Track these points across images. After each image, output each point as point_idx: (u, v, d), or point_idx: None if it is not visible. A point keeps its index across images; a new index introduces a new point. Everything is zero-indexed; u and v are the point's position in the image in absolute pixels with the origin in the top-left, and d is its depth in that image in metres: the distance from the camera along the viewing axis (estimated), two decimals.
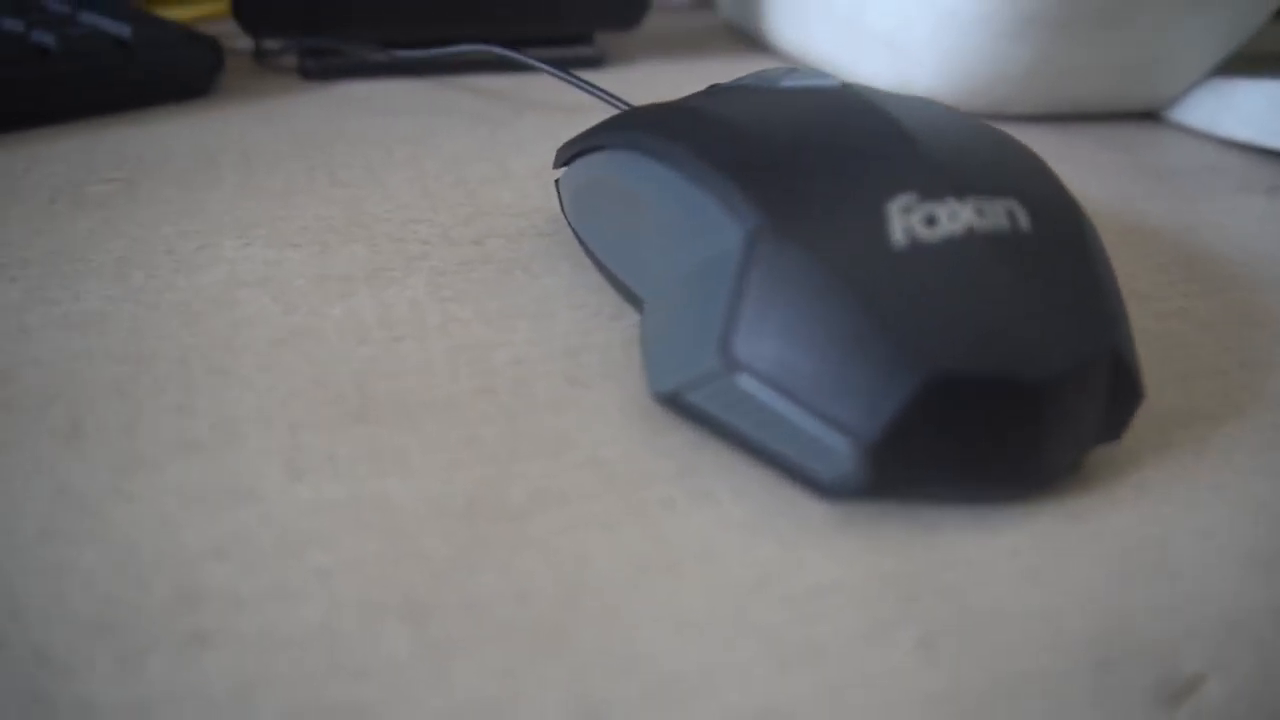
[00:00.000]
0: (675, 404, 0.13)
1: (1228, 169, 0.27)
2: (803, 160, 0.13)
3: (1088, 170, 0.26)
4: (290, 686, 0.09)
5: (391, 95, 0.30)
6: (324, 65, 0.31)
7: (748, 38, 0.41)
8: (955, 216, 0.12)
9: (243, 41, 0.34)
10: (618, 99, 0.22)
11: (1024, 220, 0.12)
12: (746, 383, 0.12)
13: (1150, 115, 0.31)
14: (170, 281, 0.17)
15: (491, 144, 0.25)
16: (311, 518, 0.11)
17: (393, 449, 0.13)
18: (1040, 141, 0.28)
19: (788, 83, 0.15)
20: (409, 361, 0.15)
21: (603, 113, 0.25)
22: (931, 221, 0.12)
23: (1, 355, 0.15)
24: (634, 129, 0.15)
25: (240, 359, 0.15)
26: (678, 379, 0.13)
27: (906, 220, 0.12)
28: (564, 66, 0.30)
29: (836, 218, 0.12)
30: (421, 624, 0.10)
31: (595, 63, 0.35)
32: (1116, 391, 0.12)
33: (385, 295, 0.17)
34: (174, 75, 0.28)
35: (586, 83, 0.23)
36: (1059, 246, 0.12)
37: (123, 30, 0.28)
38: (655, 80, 0.33)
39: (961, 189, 0.12)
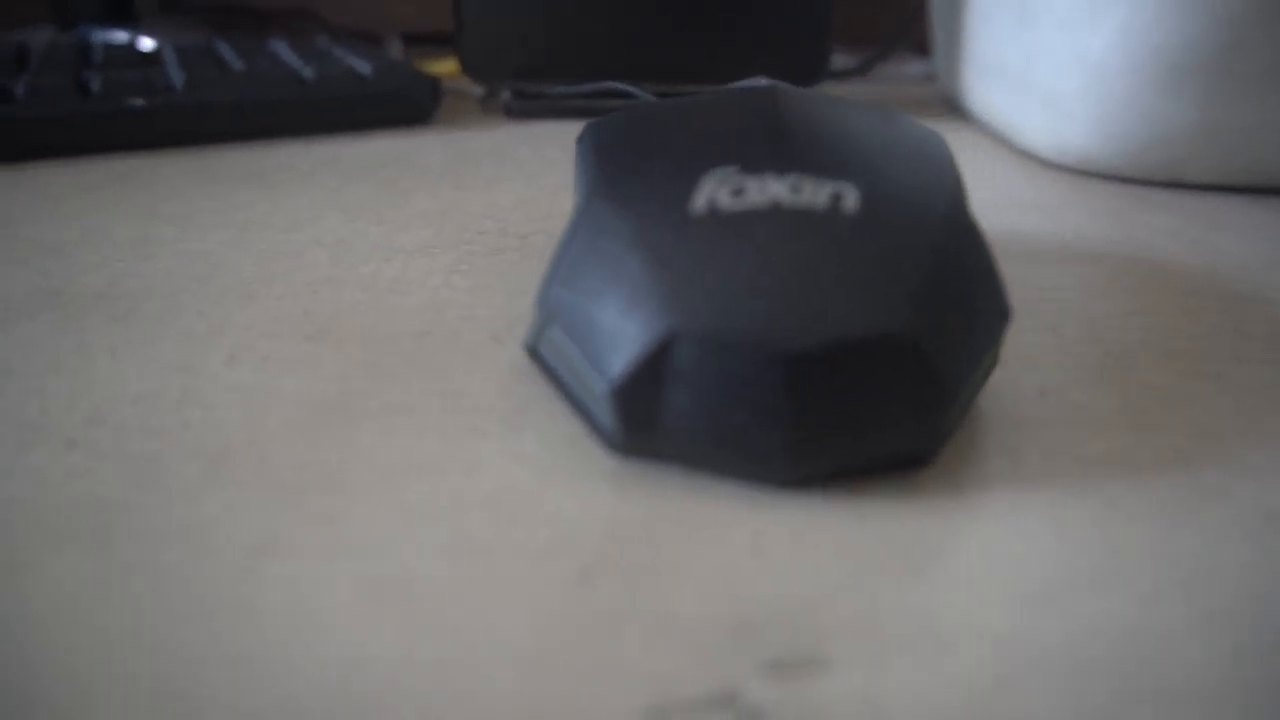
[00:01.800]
0: (534, 356, 0.14)
1: None
2: (663, 141, 0.13)
3: (1232, 234, 0.22)
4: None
5: (564, 131, 0.33)
6: (524, 106, 0.36)
7: (952, 106, 0.40)
8: (764, 190, 0.12)
9: (477, 87, 0.40)
10: None
11: (851, 204, 0.12)
12: (554, 333, 0.13)
13: None
14: (277, 240, 0.21)
15: None
16: (216, 392, 0.14)
17: (308, 358, 0.15)
18: (1212, 204, 0.24)
19: (735, 85, 0.16)
20: (383, 308, 0.18)
21: None
22: (739, 193, 0.12)
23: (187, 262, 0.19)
24: (599, 129, 0.16)
25: (271, 289, 0.18)
26: (531, 333, 0.14)
27: (714, 190, 0.12)
28: None
29: (656, 185, 0.12)
30: (219, 463, 0.12)
31: None
32: (914, 392, 0.11)
33: (414, 263, 0.20)
34: (400, 106, 0.34)
35: None
36: (882, 234, 0.12)
37: (364, 68, 0.34)
38: None
39: (787, 168, 0.12)
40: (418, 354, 0.16)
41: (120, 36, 0.45)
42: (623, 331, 0.11)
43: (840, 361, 0.11)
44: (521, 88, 0.36)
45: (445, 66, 0.45)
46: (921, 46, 0.55)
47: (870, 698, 0.09)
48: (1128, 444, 0.13)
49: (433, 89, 0.35)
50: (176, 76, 0.32)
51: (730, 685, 0.09)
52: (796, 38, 0.35)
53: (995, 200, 0.25)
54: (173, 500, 0.12)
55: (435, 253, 0.21)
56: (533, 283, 0.19)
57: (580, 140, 0.16)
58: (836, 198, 0.12)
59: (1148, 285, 0.19)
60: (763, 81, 0.16)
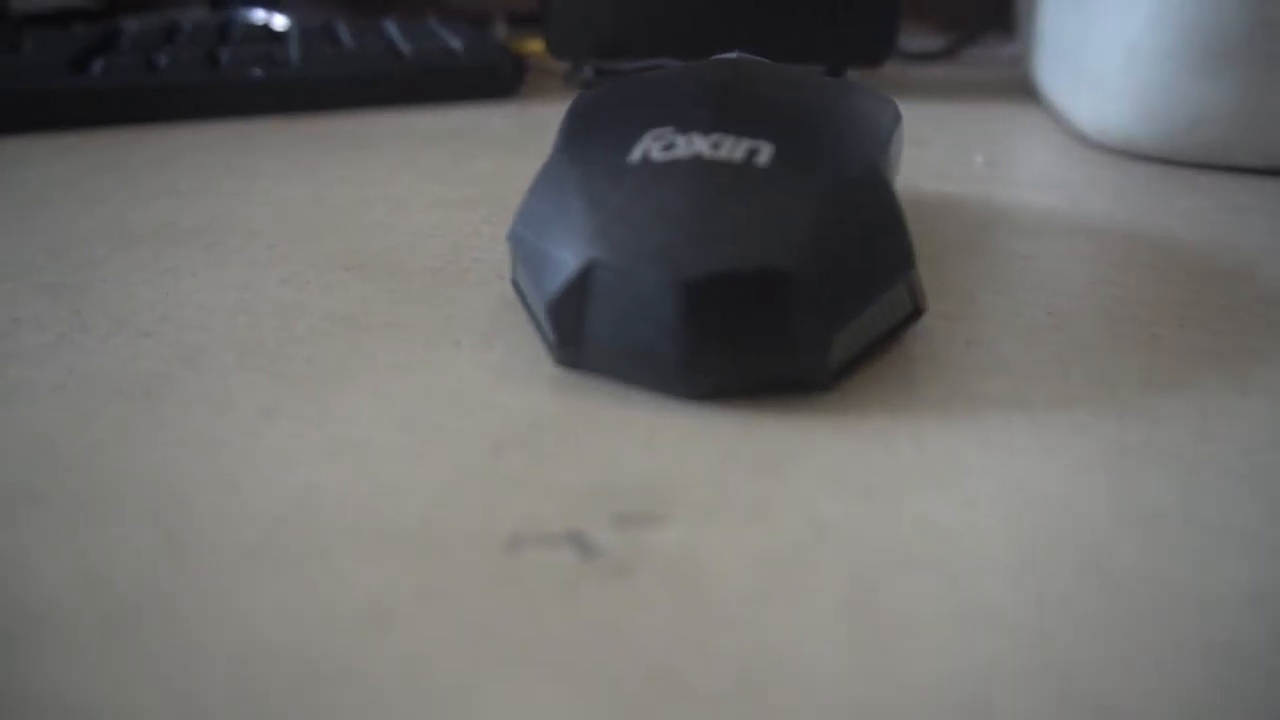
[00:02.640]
0: (515, 287, 0.16)
1: None
2: (621, 105, 0.15)
3: (1256, 216, 0.22)
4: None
5: None
6: (598, 80, 0.39)
7: (1029, 88, 0.39)
8: (690, 145, 0.14)
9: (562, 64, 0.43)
10: None
11: (764, 159, 0.14)
12: (520, 264, 0.15)
13: None
14: (351, 194, 0.25)
15: None
16: (263, 304, 0.17)
17: (342, 284, 0.18)
18: (1246, 187, 0.24)
19: (712, 58, 0.18)
20: (414, 249, 0.20)
21: None
22: (669, 147, 0.14)
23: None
24: (584, 98, 0.19)
25: (334, 231, 0.22)
26: (512, 268, 0.16)
27: (649, 144, 0.14)
28: None
29: (606, 142, 0.15)
30: (249, 353, 0.15)
31: None
32: (801, 318, 0.13)
33: (455, 214, 0.23)
34: (486, 79, 0.37)
35: None
36: (785, 185, 0.13)
37: (457, 44, 0.38)
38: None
39: (713, 127, 0.14)
40: (430, 284, 0.18)
41: (260, 16, 0.51)
42: (558, 260, 0.14)
43: (726, 290, 0.13)
44: (601, 65, 0.38)
45: (536, 45, 0.47)
46: (1010, 27, 0.54)
47: (686, 546, 0.11)
48: (1025, 388, 0.14)
49: (516, 65, 0.38)
50: (295, 52, 0.37)
51: (578, 528, 0.11)
52: (865, 19, 0.36)
53: (1022, 178, 0.26)
54: (205, 376, 0.15)
55: (476, 206, 0.23)
56: None
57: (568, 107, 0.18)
58: (752, 153, 0.14)
59: (1132, 259, 0.20)
60: (734, 54, 0.18)
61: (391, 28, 0.43)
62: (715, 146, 0.14)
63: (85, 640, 0.10)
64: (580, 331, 0.14)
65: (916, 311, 0.15)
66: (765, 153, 0.14)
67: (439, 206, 0.23)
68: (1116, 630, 0.10)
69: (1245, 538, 0.11)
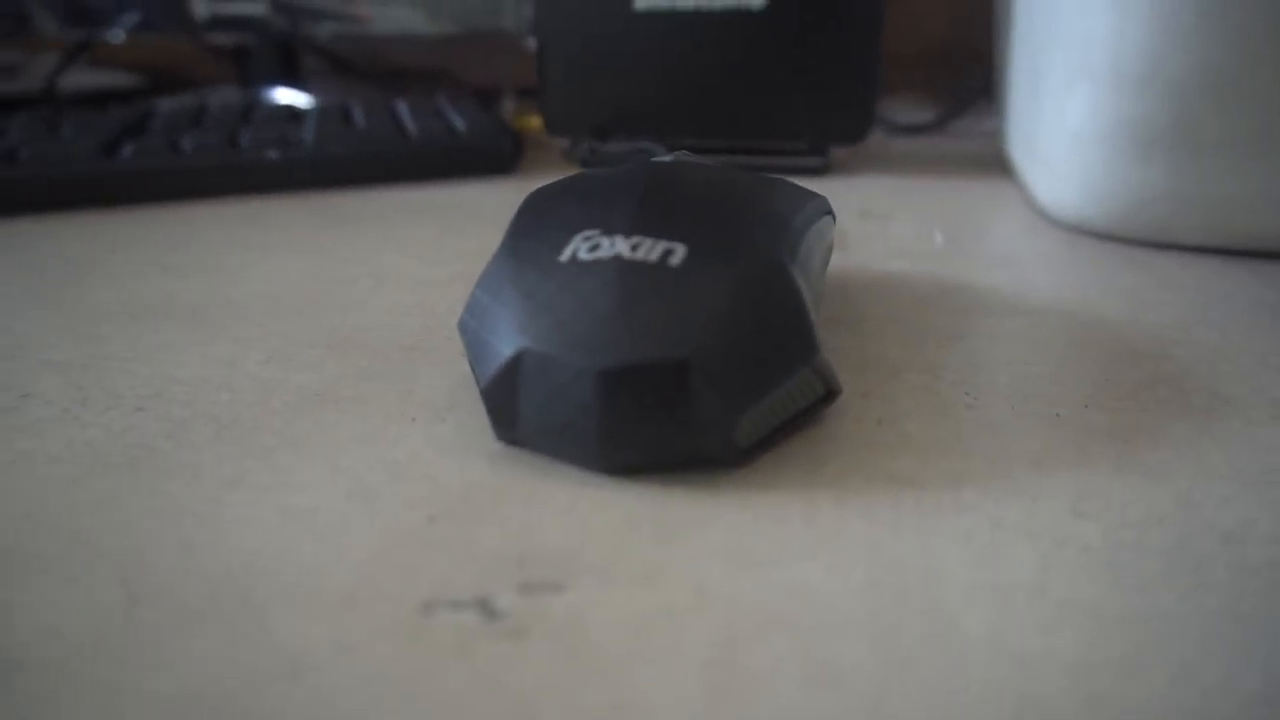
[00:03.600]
0: (472, 369, 0.18)
1: None
2: (567, 206, 0.17)
3: (1190, 293, 0.23)
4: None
5: None
6: (596, 158, 0.41)
7: (1005, 162, 0.41)
8: (612, 247, 0.16)
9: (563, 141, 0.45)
10: None
11: (677, 259, 0.15)
12: (466, 344, 0.17)
13: None
14: (337, 270, 0.27)
15: None
16: (245, 381, 0.19)
17: (319, 361, 0.20)
18: (1186, 265, 0.25)
19: (655, 158, 0.19)
20: (391, 328, 0.22)
21: None
22: (595, 248, 0.16)
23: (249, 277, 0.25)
24: (534, 194, 0.20)
25: (317, 309, 0.24)
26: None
27: (578, 244, 0.16)
28: (789, 174, 0.36)
29: (542, 238, 0.16)
30: (226, 427, 0.17)
31: (818, 171, 0.39)
32: (708, 406, 0.14)
33: (434, 293, 0.25)
34: (486, 156, 0.40)
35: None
36: (693, 282, 0.15)
37: (460, 124, 0.40)
38: (853, 188, 0.36)
39: (634, 230, 0.16)
40: (398, 362, 0.20)
41: (286, 96, 0.54)
42: (494, 348, 0.15)
43: (636, 377, 0.14)
44: (596, 144, 0.41)
45: (537, 121, 0.50)
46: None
47: (578, 610, 0.12)
48: (923, 467, 0.16)
49: (515, 143, 0.40)
50: (309, 133, 0.39)
51: (486, 594, 0.12)
52: (844, 98, 0.38)
53: (978, 255, 0.27)
54: (183, 448, 0.16)
55: (455, 286, 0.25)
56: None
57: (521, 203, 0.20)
58: (667, 253, 0.15)
59: (1058, 339, 0.21)
60: (674, 155, 0.20)
61: (402, 108, 0.46)
62: (634, 248, 0.16)
63: (45, 684, 0.11)
64: (512, 412, 0.15)
65: (829, 394, 0.17)
66: (679, 253, 0.15)
67: (419, 285, 0.25)
68: (949, 690, 0.11)
69: (1083, 609, 0.12)
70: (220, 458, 0.16)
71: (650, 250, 0.16)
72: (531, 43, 0.51)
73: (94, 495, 0.15)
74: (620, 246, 0.16)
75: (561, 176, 0.39)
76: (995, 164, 0.41)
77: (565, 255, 0.16)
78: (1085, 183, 0.27)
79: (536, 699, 0.11)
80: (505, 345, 0.15)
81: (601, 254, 0.16)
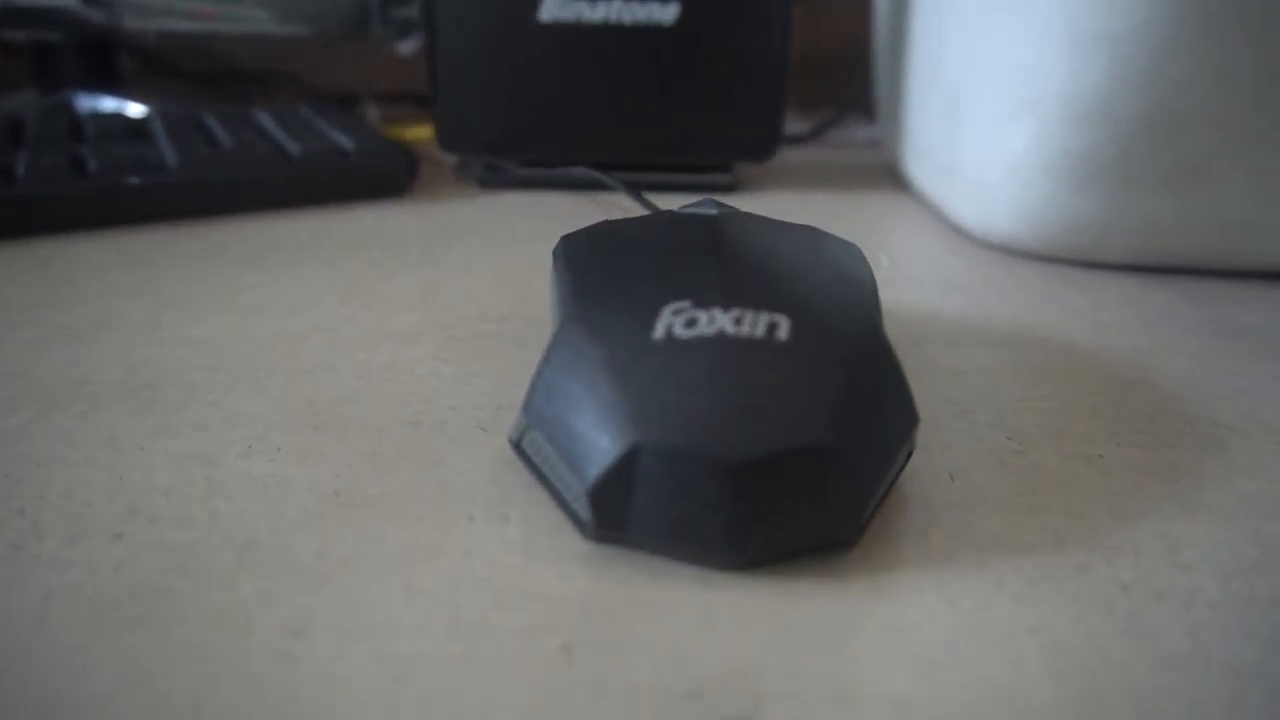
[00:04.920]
0: (518, 451, 0.16)
1: None
2: (626, 269, 0.16)
3: (1135, 316, 0.25)
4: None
5: (534, 206, 0.36)
6: (496, 178, 0.39)
7: (893, 173, 0.43)
8: (712, 322, 0.14)
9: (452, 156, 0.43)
10: None
11: (784, 332, 0.14)
12: (536, 437, 0.15)
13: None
14: (276, 326, 0.23)
15: None
16: (237, 483, 0.16)
17: (314, 448, 0.17)
18: (1118, 285, 0.27)
19: (684, 209, 0.18)
20: (378, 397, 0.20)
21: None
22: (691, 324, 0.14)
23: (143, 354, 0.21)
24: (573, 246, 0.19)
25: (275, 378, 0.20)
26: (515, 430, 0.16)
27: (671, 320, 0.15)
28: (698, 192, 0.36)
29: (623, 314, 0.15)
30: (247, 551, 0.14)
31: (727, 189, 0.39)
32: (838, 493, 0.14)
33: (402, 351, 0.22)
34: (378, 178, 0.37)
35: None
36: (809, 359, 0.14)
37: (346, 143, 0.37)
38: (770, 208, 0.36)
39: (731, 302, 0.15)
40: (411, 442, 0.18)
41: (107, 104, 0.47)
42: (596, 443, 0.14)
43: (771, 470, 0.13)
44: (492, 161, 0.38)
45: (419, 132, 0.47)
46: (869, 110, 0.59)
47: None
48: (1016, 525, 0.16)
49: (409, 164, 0.37)
50: (168, 153, 0.34)
51: None
52: (751, 118, 0.38)
53: (924, 278, 0.28)
54: (207, 586, 0.14)
55: (421, 339, 0.23)
56: (512, 370, 0.21)
57: (555, 256, 0.18)
58: (772, 327, 0.15)
59: (1050, 369, 0.22)
60: (710, 205, 0.19)
61: (266, 120, 0.41)
62: (737, 323, 0.14)
63: None
64: (624, 512, 0.14)
65: (909, 454, 0.16)
66: (784, 326, 0.15)
67: (380, 340, 0.23)
68: None
69: (1252, 675, 0.13)
70: (264, 596, 0.13)
71: (754, 324, 0.14)
72: (402, 48, 0.48)
73: (116, 666, 0.12)
74: (722, 321, 0.14)
75: (455, 199, 0.36)
76: (881, 176, 0.43)
77: (659, 332, 0.15)
78: (1020, 208, 0.28)
79: None
80: (613, 440, 0.14)
81: (702, 330, 0.14)
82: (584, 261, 0.17)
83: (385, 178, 0.37)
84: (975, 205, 0.30)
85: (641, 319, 0.15)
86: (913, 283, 0.28)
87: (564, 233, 0.30)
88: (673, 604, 0.13)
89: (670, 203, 0.36)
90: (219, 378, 0.20)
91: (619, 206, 0.35)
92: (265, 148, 0.35)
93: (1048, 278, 0.28)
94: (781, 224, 0.18)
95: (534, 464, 0.16)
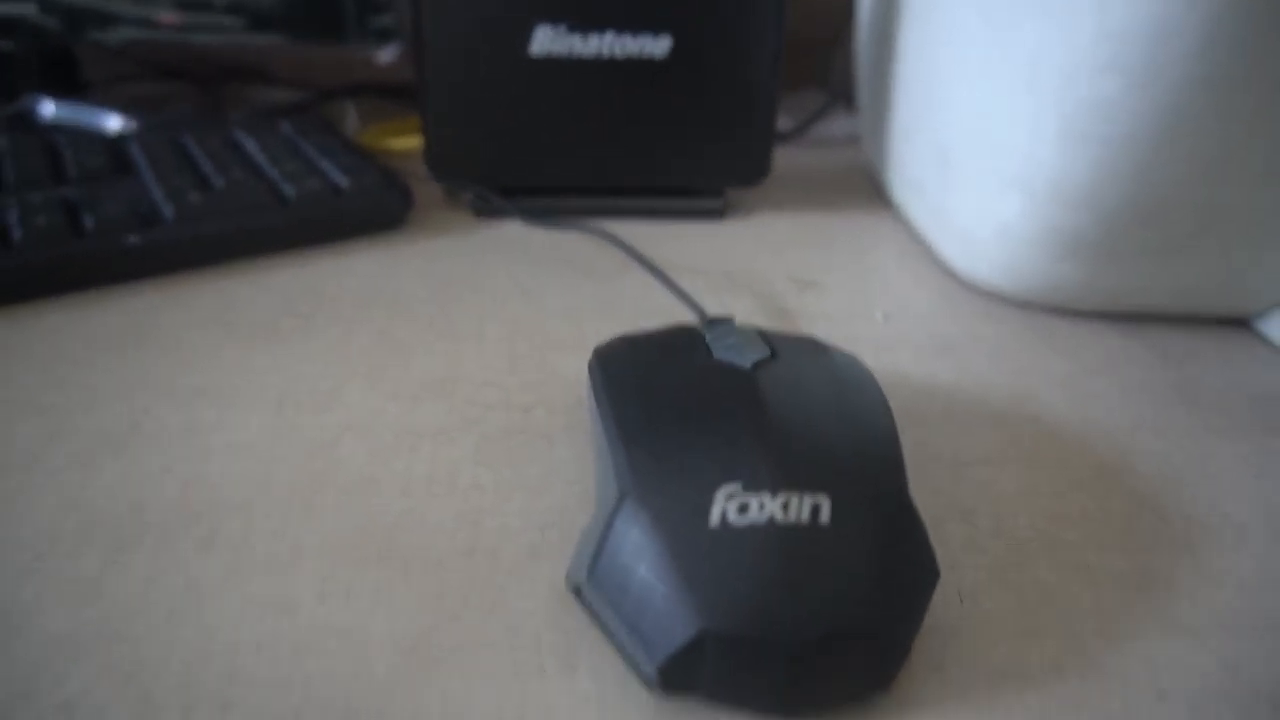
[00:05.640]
0: (577, 595, 0.18)
1: (1275, 399, 0.27)
2: (677, 442, 0.17)
3: (1113, 381, 0.27)
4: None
5: (532, 243, 0.36)
6: (490, 207, 0.39)
7: (875, 180, 0.44)
8: (763, 508, 0.16)
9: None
10: (693, 300, 0.27)
11: (825, 515, 0.16)
12: (599, 597, 0.17)
13: (1241, 322, 0.32)
14: (311, 427, 0.24)
15: (584, 304, 0.31)
16: (320, 637, 0.18)
17: (382, 592, 0.19)
18: (1096, 341, 0.29)
19: (719, 355, 0.20)
20: (428, 521, 0.21)
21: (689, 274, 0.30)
22: (744, 510, 0.16)
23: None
24: (609, 365, 0.20)
25: (324, 495, 0.22)
26: (576, 578, 0.18)
27: (725, 505, 0.16)
28: (687, 217, 0.37)
29: (679, 495, 0.17)
30: (352, 715, 0.16)
31: (717, 214, 0.40)
32: (874, 656, 0.16)
33: (439, 454, 0.23)
34: (375, 214, 0.37)
35: (669, 279, 0.28)
36: (850, 542, 0.16)
37: (342, 181, 0.37)
38: (762, 237, 0.37)
39: (778, 485, 0.16)
40: (472, 582, 0.19)
41: (69, 112, 0.46)
42: (665, 625, 0.16)
43: (820, 651, 0.15)
44: (483, 192, 0.39)
45: (406, 142, 0.47)
46: (849, 98, 0.59)
47: None
48: (1019, 653, 0.18)
49: (403, 196, 0.37)
50: (159, 199, 0.34)
51: None
52: (742, 146, 0.39)
53: (918, 338, 0.30)
54: None
55: (454, 438, 0.24)
56: (547, 477, 0.23)
57: (592, 373, 0.20)
58: (815, 510, 0.16)
59: (1040, 457, 0.24)
60: (732, 337, 0.20)
61: (247, 143, 0.41)
62: (785, 508, 0.16)
63: None
64: (690, 682, 0.16)
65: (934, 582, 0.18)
66: (825, 508, 0.16)
67: (414, 442, 0.24)
68: None
69: None
70: None
71: (800, 509, 0.16)
72: (381, 56, 0.47)
73: None
74: (772, 508, 0.16)
75: (451, 233, 0.36)
76: (864, 186, 0.44)
77: (715, 519, 0.16)
78: (1005, 267, 0.30)
79: None
80: (683, 626, 0.15)
81: (754, 518, 0.16)
82: (629, 405, 0.18)
83: (381, 215, 0.37)
84: (963, 253, 0.32)
85: (696, 504, 0.16)
86: (908, 344, 0.29)
87: (567, 283, 0.31)
88: None
89: (651, 235, 0.37)
90: (270, 501, 0.21)
91: (607, 236, 0.36)
92: (259, 191, 0.35)
93: (1032, 333, 0.30)
94: (824, 363, 0.20)
95: (597, 617, 0.17)
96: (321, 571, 0.19)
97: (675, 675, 0.16)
